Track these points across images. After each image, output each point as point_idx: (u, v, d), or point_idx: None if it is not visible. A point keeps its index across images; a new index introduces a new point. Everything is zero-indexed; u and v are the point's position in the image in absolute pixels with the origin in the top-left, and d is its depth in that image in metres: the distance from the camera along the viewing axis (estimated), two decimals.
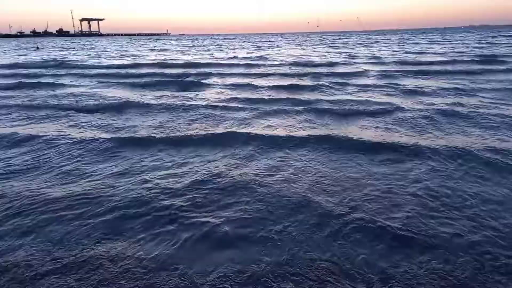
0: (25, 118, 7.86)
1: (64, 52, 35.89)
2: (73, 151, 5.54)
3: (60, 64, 21.24)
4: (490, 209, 3.59)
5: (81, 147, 5.73)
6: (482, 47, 27.98)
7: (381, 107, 8.12)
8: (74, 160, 5.15)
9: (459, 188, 4.05)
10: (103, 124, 7.25)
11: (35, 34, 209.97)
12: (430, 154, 5.03)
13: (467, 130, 6.24)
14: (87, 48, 45.20)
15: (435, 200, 3.78)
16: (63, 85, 12.82)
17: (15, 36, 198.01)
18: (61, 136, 6.25)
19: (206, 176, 4.47)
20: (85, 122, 7.41)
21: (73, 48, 47.69)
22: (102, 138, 6.08)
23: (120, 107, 8.73)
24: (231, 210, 3.65)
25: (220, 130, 6.58)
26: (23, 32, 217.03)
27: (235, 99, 9.69)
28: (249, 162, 5.00)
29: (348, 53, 25.96)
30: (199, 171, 4.66)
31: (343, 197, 3.87)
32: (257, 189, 4.11)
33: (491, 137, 5.81)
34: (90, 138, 6.11)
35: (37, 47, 47.56)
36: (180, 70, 16.98)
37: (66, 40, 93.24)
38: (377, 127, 6.64)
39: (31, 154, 5.45)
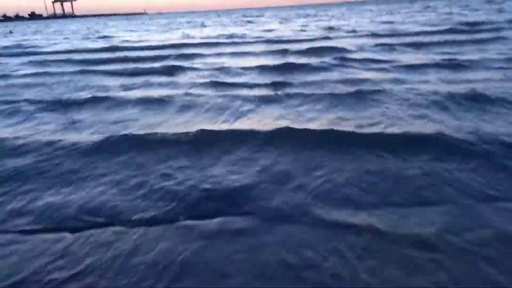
0: None
1: (34, 36, 33.56)
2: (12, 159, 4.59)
3: (22, 52, 19.54)
4: None
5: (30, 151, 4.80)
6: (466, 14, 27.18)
7: (375, 87, 7.29)
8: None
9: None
10: (68, 121, 6.28)
11: (5, 18, 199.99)
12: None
13: (480, 114, 5.49)
14: (56, 31, 42.48)
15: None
16: (21, 75, 11.50)
17: None
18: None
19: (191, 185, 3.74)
20: (44, 121, 6.42)
21: (40, 31, 44.81)
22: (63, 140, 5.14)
23: (83, 101, 7.64)
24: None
25: (203, 126, 5.42)
26: None
27: (216, 83, 8.68)
28: (242, 167, 4.13)
29: (331, 26, 24.76)
30: (181, 179, 3.89)
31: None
32: (250, 199, 3.44)
33: None
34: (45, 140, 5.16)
35: (10, 31, 49.83)
36: (154, 52, 15.58)
37: (34, 24, 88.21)
38: (376, 112, 5.81)
39: None
